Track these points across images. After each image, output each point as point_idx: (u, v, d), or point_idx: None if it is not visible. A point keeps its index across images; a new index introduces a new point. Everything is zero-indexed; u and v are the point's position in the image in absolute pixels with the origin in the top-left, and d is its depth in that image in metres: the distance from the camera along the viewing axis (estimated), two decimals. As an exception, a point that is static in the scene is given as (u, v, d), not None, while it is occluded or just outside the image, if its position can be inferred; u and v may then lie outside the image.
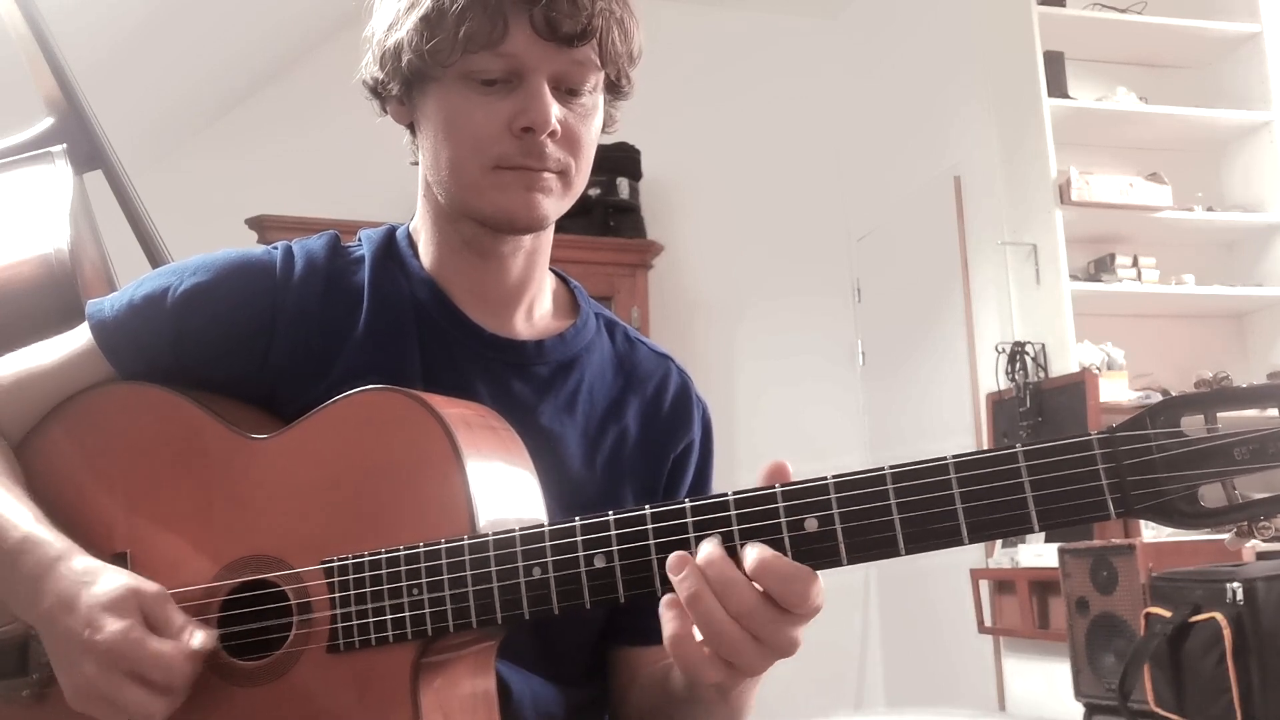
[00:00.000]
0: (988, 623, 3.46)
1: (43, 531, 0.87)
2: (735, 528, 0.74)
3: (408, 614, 0.80)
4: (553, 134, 0.91)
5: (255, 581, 0.86)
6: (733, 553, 0.74)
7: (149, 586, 0.83)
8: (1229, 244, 3.76)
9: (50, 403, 0.97)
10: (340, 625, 0.82)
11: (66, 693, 0.82)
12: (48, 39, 1.51)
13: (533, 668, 0.96)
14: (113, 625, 0.79)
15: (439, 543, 0.80)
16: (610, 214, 3.94)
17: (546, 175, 0.93)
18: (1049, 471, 0.70)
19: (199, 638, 0.82)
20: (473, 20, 0.88)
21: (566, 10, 0.89)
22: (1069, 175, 3.37)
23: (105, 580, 0.83)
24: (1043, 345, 3.39)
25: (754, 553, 0.72)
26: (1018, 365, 3.38)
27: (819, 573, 0.73)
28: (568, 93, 0.93)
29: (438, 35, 0.90)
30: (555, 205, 0.95)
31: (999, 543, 3.41)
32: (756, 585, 0.72)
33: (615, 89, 0.99)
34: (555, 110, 0.91)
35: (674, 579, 0.73)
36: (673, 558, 0.74)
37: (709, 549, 0.73)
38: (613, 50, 0.93)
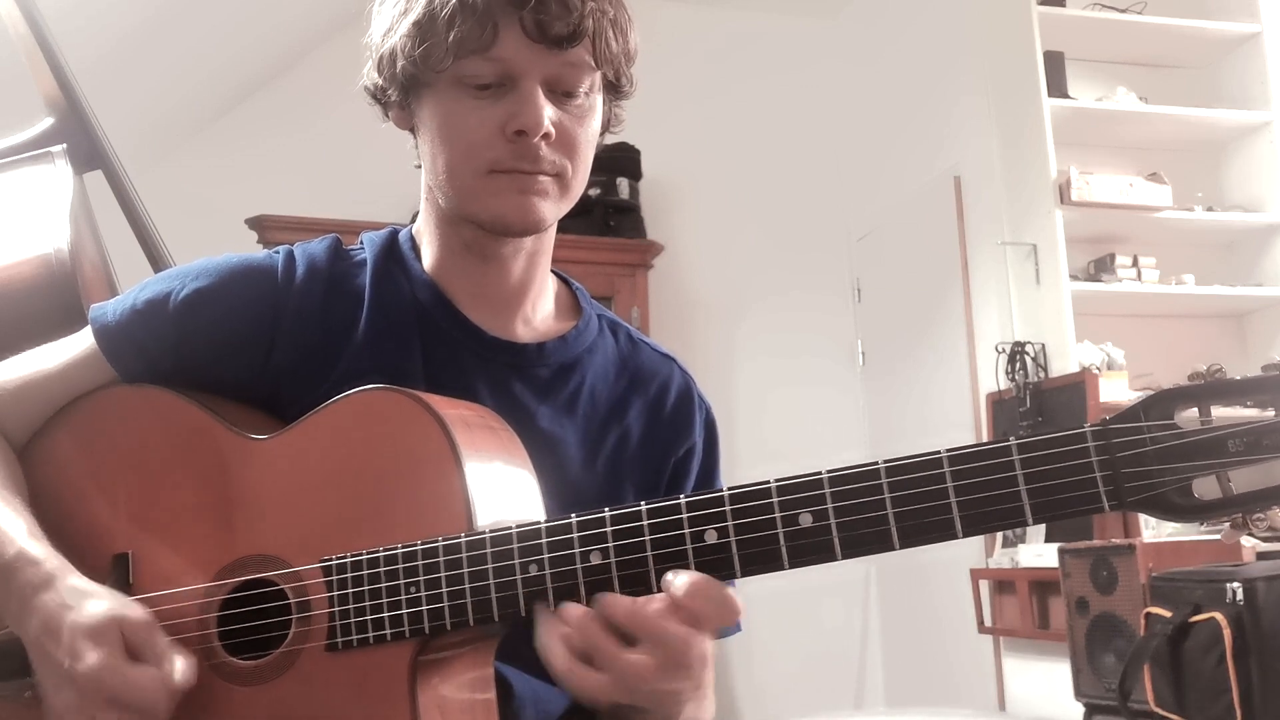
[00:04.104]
0: (988, 623, 3.45)
1: (35, 548, 0.86)
2: (730, 523, 0.75)
3: (405, 612, 0.80)
4: (546, 136, 0.91)
5: (255, 580, 0.86)
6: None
7: (133, 613, 0.82)
8: (1229, 244, 3.76)
9: (54, 406, 0.97)
10: (339, 624, 0.82)
11: (51, 718, 0.82)
12: (48, 39, 1.51)
13: (532, 668, 0.95)
14: (91, 656, 0.79)
15: (436, 541, 0.80)
16: (610, 214, 3.94)
17: (541, 178, 0.93)
18: (1042, 464, 0.70)
19: (180, 668, 0.81)
20: (463, 25, 0.88)
21: (556, 12, 0.89)
22: (1069, 175, 3.37)
23: (88, 607, 0.82)
24: (1043, 345, 3.39)
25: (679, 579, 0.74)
26: (1018, 365, 3.38)
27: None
28: (563, 95, 0.93)
29: (429, 41, 0.90)
30: (552, 208, 0.95)
31: (999, 543, 3.41)
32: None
33: (615, 89, 0.99)
34: (549, 112, 0.91)
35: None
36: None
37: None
38: (606, 51, 0.93)
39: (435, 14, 0.89)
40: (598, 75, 0.95)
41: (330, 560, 0.83)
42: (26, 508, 0.91)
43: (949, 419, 3.79)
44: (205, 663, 0.85)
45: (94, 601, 0.82)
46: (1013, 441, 0.70)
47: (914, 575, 3.92)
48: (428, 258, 1.02)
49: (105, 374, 0.97)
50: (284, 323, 0.96)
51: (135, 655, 0.81)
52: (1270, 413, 0.67)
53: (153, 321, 0.96)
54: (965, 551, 3.44)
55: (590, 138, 0.97)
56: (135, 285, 1.01)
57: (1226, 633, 2.18)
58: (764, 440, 3.99)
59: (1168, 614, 2.34)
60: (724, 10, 4.49)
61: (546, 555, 0.78)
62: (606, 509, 0.78)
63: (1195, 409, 0.68)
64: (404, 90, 0.95)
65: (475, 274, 1.00)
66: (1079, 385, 3.19)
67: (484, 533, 0.80)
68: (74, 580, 0.84)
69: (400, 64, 0.92)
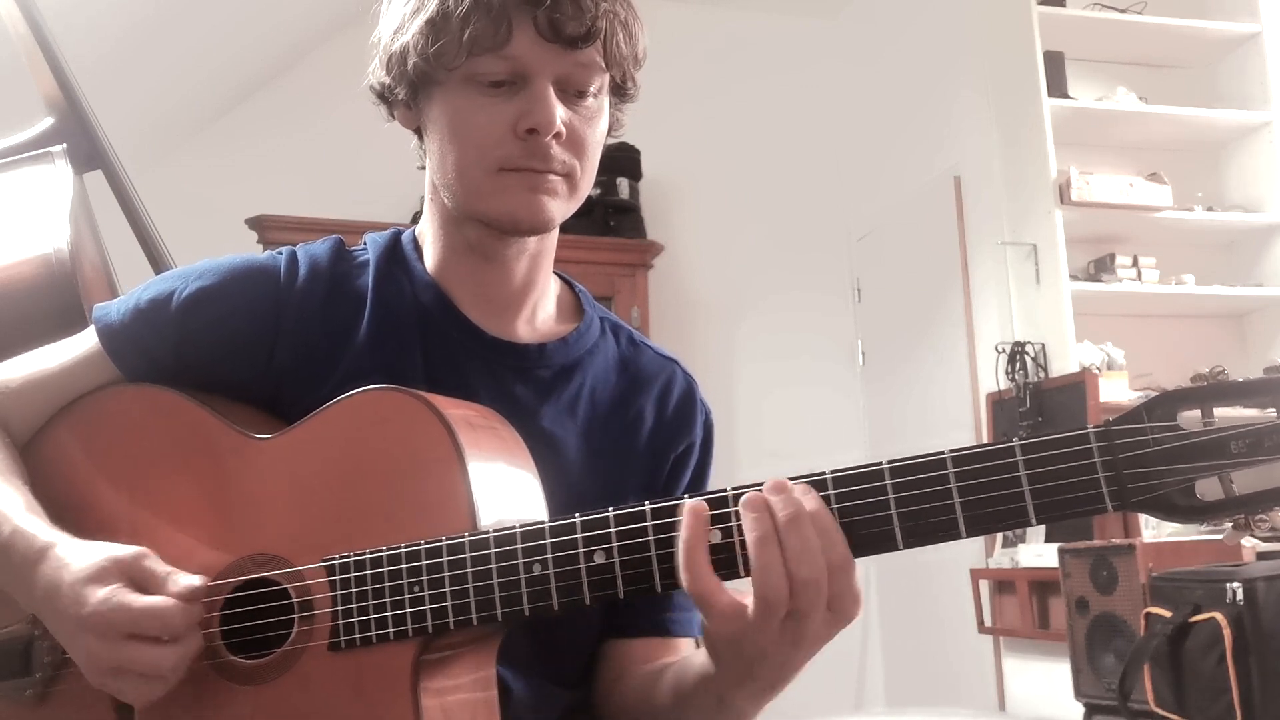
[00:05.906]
0: (988, 623, 3.46)
1: (30, 522, 0.88)
2: (734, 523, 0.75)
3: (408, 611, 0.81)
4: (557, 136, 0.92)
5: (258, 580, 0.86)
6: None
7: (125, 550, 0.84)
8: (1229, 244, 3.76)
9: (56, 405, 0.98)
10: (341, 623, 0.82)
11: (84, 673, 0.83)
12: (48, 39, 1.51)
13: (532, 669, 0.96)
14: (95, 595, 0.80)
15: (440, 540, 0.81)
16: (610, 214, 3.94)
17: (551, 177, 0.93)
18: (1046, 465, 0.70)
19: (187, 580, 0.83)
20: (477, 23, 0.89)
21: (570, 13, 0.89)
22: (1069, 175, 3.38)
23: (83, 556, 0.84)
24: (1043, 345, 3.39)
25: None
26: (1018, 365, 3.39)
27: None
28: (574, 95, 0.94)
29: (443, 38, 0.90)
30: (561, 207, 0.96)
31: (999, 543, 3.41)
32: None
33: (620, 91, 0.99)
34: (560, 112, 0.91)
35: (749, 517, 0.73)
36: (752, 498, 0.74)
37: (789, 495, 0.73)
38: (617, 52, 0.94)
39: (449, 12, 0.90)
40: (606, 77, 0.95)
41: (333, 560, 0.83)
42: (24, 484, 0.92)
43: (949, 419, 3.80)
44: (207, 662, 0.85)
45: (87, 550, 0.84)
46: (1016, 442, 0.71)
47: (914, 575, 3.92)
48: (430, 259, 1.03)
49: (108, 373, 0.97)
50: (286, 323, 0.97)
51: (141, 588, 0.82)
52: (1272, 414, 0.67)
53: (155, 321, 0.96)
54: (965, 551, 3.44)
55: (599, 139, 0.97)
56: (138, 285, 1.01)
57: (1226, 633, 2.18)
58: (764, 440, 4.00)
59: (1168, 614, 2.34)
60: (724, 10, 4.49)
61: (550, 555, 0.78)
62: (610, 509, 0.78)
63: (1198, 410, 0.68)
64: (412, 88, 0.95)
65: (478, 275, 1.00)
66: (1079, 385, 3.19)
67: (487, 532, 0.80)
68: (68, 544, 0.86)
69: (411, 61, 0.92)
